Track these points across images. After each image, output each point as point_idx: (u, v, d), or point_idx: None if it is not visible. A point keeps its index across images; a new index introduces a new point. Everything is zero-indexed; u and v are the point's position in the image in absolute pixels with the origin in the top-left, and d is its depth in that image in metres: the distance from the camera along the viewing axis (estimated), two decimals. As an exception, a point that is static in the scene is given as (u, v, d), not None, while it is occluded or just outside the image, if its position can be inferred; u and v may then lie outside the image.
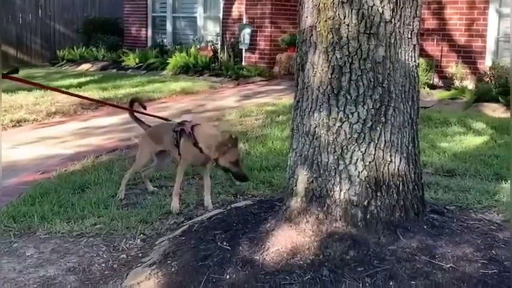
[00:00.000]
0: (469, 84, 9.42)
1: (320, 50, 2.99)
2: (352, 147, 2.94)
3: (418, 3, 3.06)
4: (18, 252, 3.47)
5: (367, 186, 2.93)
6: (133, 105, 4.58)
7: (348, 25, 2.91)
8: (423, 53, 9.92)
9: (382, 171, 2.95)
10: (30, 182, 4.81)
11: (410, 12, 3.02)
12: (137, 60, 13.10)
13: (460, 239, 2.96)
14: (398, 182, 2.99)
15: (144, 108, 4.60)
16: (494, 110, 8.05)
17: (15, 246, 3.54)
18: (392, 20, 2.94)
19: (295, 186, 3.10)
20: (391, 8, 2.92)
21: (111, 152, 5.93)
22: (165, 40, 14.18)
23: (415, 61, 3.08)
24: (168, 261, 3.04)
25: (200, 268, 2.86)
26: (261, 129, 6.73)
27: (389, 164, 2.96)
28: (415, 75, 3.09)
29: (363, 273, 2.64)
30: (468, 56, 9.81)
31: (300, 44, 3.14)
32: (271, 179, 4.65)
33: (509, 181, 4.56)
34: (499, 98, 8.20)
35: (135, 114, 4.49)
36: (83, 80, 11.37)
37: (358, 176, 2.93)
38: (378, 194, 2.94)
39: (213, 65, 11.92)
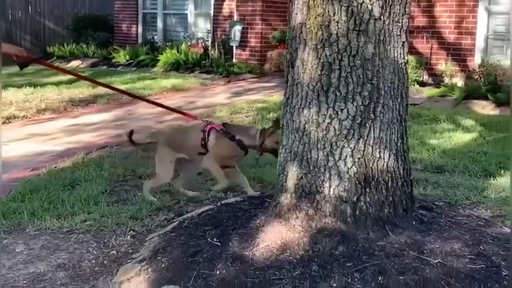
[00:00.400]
0: (459, 81, 9.48)
1: (310, 46, 3.00)
2: (341, 144, 2.95)
3: (407, 1, 3.08)
4: (8, 248, 3.46)
5: (357, 182, 2.95)
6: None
7: (337, 22, 2.92)
8: (413, 51, 9.97)
9: (371, 168, 2.97)
10: (20, 179, 4.79)
11: (399, 9, 3.03)
12: (127, 57, 13.06)
13: (449, 234, 2.99)
14: (387, 178, 3.00)
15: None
16: (483, 107, 8.11)
17: (5, 242, 3.53)
18: (382, 17, 2.95)
19: (285, 182, 3.11)
20: (380, 5, 2.94)
21: (102, 149, 5.92)
22: (155, 37, 14.14)
23: (404, 58, 3.09)
24: (158, 257, 3.05)
25: (190, 264, 2.87)
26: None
27: (378, 160, 2.98)
28: (404, 72, 3.10)
29: (351, 268, 2.66)
30: (457, 54, 9.86)
31: (289, 40, 3.15)
32: (262, 176, 4.67)
33: (497, 177, 4.61)
34: (488, 95, 8.27)
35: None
36: (73, 76, 11.30)
37: (348, 172, 2.95)
38: (367, 190, 2.96)
39: (204, 62, 11.91)
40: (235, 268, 2.77)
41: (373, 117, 2.96)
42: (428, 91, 9.24)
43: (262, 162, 5.00)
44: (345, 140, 2.95)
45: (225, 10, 12.86)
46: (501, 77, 8.69)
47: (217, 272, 2.77)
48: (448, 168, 4.91)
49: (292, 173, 3.07)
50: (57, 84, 10.21)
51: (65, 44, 14.75)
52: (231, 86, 10.67)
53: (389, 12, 2.98)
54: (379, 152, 2.99)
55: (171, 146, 4.14)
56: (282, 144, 3.18)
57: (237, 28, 11.95)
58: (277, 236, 2.95)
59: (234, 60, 12.10)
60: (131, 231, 3.66)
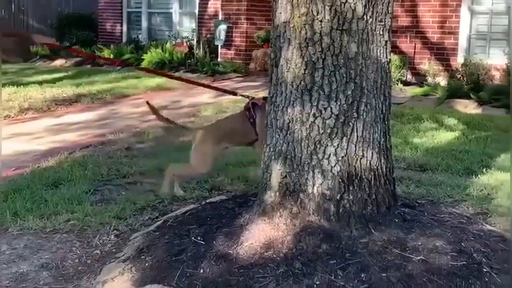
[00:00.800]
0: (442, 80, 9.56)
1: (294, 45, 3.01)
2: (325, 142, 2.97)
3: (389, 0, 3.10)
4: (-10, 248, 3.44)
5: (340, 180, 2.97)
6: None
7: (321, 21, 2.94)
8: (397, 50, 10.04)
9: (355, 166, 2.99)
10: (3, 178, 4.75)
11: (382, 8, 3.06)
12: (112, 56, 12.98)
13: (431, 232, 3.02)
14: (370, 177, 3.03)
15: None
16: (466, 106, 8.19)
17: (-13, 242, 3.51)
18: (365, 17, 2.97)
19: (269, 181, 3.12)
20: (364, 4, 2.96)
21: (85, 148, 5.89)
22: (140, 36, 14.08)
23: (386, 57, 3.12)
24: (142, 257, 3.04)
25: (174, 263, 2.87)
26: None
27: (361, 158, 3.00)
28: (387, 71, 3.13)
29: (335, 266, 2.68)
30: (441, 53, 9.95)
31: (273, 39, 3.16)
32: (247, 175, 4.67)
33: (479, 176, 4.66)
34: (471, 95, 8.34)
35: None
36: (56, 75, 11.24)
37: (331, 171, 2.97)
38: (351, 188, 2.98)
39: (189, 61, 11.88)
40: (219, 267, 2.78)
41: (356, 116, 2.98)
42: (412, 90, 9.30)
43: (247, 161, 5.01)
44: (329, 139, 2.97)
45: (210, 9, 12.85)
46: (483, 76, 8.79)
47: (201, 271, 2.77)
48: (430, 166, 4.95)
49: (276, 172, 3.08)
50: (40, 83, 10.13)
51: (48, 43, 14.64)
52: (216, 85, 10.65)
53: (373, 12, 3.00)
54: (362, 150, 3.01)
55: (215, 136, 3.95)
56: (266, 143, 3.19)
57: (222, 27, 11.94)
58: (261, 234, 2.95)
59: (219, 60, 12.09)
60: (115, 231, 3.65)
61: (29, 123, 7.47)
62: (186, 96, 9.30)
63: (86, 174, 4.76)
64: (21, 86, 9.71)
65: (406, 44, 10.20)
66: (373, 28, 3.02)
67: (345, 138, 2.97)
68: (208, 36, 12.51)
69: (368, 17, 2.98)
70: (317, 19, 2.94)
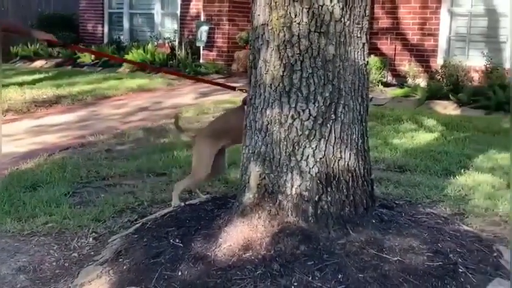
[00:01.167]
0: (422, 82, 9.65)
1: (272, 47, 3.02)
2: (303, 144, 2.98)
3: (367, 3, 3.13)
4: (-34, 252, 3.40)
5: (318, 181, 2.98)
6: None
7: (299, 23, 2.95)
8: (377, 52, 10.12)
9: (333, 167, 3.00)
10: (-20, 181, 4.70)
11: (360, 11, 3.08)
12: (93, 57, 12.91)
13: (408, 232, 3.04)
14: (348, 178, 3.05)
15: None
16: (445, 107, 8.27)
17: (-37, 246, 3.47)
18: (342, 19, 2.99)
19: (248, 182, 3.12)
20: (341, 7, 2.98)
21: (65, 150, 5.84)
22: (121, 37, 14.01)
23: (364, 59, 3.14)
24: (120, 259, 3.03)
25: (152, 265, 2.86)
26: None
27: (339, 160, 3.02)
28: (365, 73, 3.15)
29: (312, 267, 2.69)
30: (421, 55, 10.04)
31: (252, 41, 3.17)
32: (227, 176, 4.67)
33: (457, 176, 4.71)
34: (450, 96, 8.43)
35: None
36: (37, 76, 11.14)
37: (309, 172, 2.98)
38: (329, 189, 2.99)
39: (171, 62, 11.85)
40: (197, 269, 2.77)
41: (334, 117, 3.00)
42: (392, 92, 9.38)
43: (228, 162, 5.00)
44: (307, 140, 2.98)
45: (192, 10, 12.83)
46: (463, 77, 8.88)
47: (179, 273, 2.77)
48: (409, 167, 4.99)
49: (255, 173, 3.09)
50: (20, 84, 10.04)
51: (29, 44, 14.49)
52: (198, 86, 10.63)
53: (350, 14, 3.02)
54: (340, 151, 3.02)
55: (213, 134, 3.81)
56: (245, 144, 3.20)
57: (204, 28, 11.93)
58: (239, 236, 2.96)
59: (201, 61, 12.07)
60: (93, 233, 3.63)
61: (9, 124, 7.38)
62: (167, 98, 9.27)
63: (65, 176, 4.73)
64: (1, 87, 9.61)
65: (386, 46, 10.28)
66: (351, 30, 3.04)
67: (322, 139, 2.98)
68: (191, 37, 12.49)
69: (345, 20, 3.00)
70: (295, 21, 2.95)
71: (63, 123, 7.37)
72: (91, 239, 3.56)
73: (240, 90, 4.02)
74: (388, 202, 3.54)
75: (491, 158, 5.33)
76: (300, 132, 2.98)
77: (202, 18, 12.21)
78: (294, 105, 2.98)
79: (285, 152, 3.00)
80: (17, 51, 14.38)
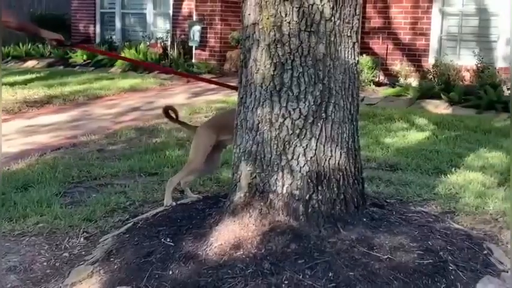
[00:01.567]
0: (413, 81, 9.69)
1: (262, 47, 3.03)
2: (294, 143, 2.99)
3: (357, 2, 3.14)
4: (-44, 252, 3.39)
5: (309, 180, 2.99)
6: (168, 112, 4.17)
7: (289, 23, 2.96)
8: (369, 51, 10.15)
9: (323, 166, 3.01)
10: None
11: (350, 10, 3.09)
12: (85, 57, 12.87)
13: (398, 230, 3.06)
14: (338, 176, 3.06)
15: (177, 115, 4.19)
16: (437, 106, 8.31)
17: (-46, 246, 3.46)
18: (332, 18, 3.00)
19: (239, 181, 3.13)
20: (331, 6, 2.99)
21: (56, 150, 5.82)
22: (114, 37, 13.98)
23: (354, 58, 3.15)
24: (111, 259, 3.03)
25: (143, 265, 2.86)
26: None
27: (330, 158, 3.03)
28: (355, 72, 3.16)
29: (303, 265, 2.70)
30: (412, 54, 10.07)
31: (243, 40, 3.17)
32: (219, 176, 4.67)
33: (448, 175, 4.73)
34: (441, 95, 8.47)
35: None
36: (28, 77, 11.08)
37: (300, 171, 2.99)
38: (319, 188, 3.00)
39: (163, 62, 11.84)
40: (188, 268, 2.78)
41: (324, 116, 3.01)
42: (384, 91, 9.41)
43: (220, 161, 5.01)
44: (298, 139, 2.99)
45: (184, 10, 12.81)
46: (454, 76, 8.92)
47: (170, 272, 2.77)
48: (401, 166, 5.01)
49: (246, 172, 3.10)
50: (12, 84, 9.99)
51: (21, 44, 14.44)
52: (190, 86, 10.62)
53: (340, 14, 3.03)
54: (331, 150, 3.04)
55: (215, 127, 3.83)
56: (236, 144, 3.20)
57: (196, 28, 11.92)
58: (230, 234, 2.96)
59: (193, 61, 12.06)
60: (84, 233, 3.62)
61: (0, 125, 7.36)
62: (159, 98, 9.26)
63: (56, 176, 4.71)
64: (1, 87, 9.56)
65: (378, 45, 10.31)
66: (341, 30, 3.05)
67: (313, 138, 2.99)
68: (183, 37, 12.48)
69: (336, 19, 3.01)
70: (285, 20, 2.96)
71: (54, 123, 7.34)
72: (82, 239, 3.55)
73: None
74: (379, 201, 3.55)
75: (482, 157, 5.36)
76: (290, 131, 2.99)
77: (195, 18, 12.20)
78: (284, 105, 2.99)
79: (276, 151, 3.01)
80: (8, 51, 14.32)
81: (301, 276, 2.63)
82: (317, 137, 3.00)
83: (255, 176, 3.06)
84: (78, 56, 12.94)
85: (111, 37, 13.94)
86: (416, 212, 3.53)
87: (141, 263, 2.89)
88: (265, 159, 3.04)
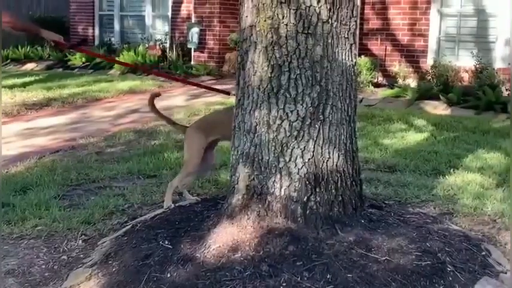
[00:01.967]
0: (412, 82, 9.69)
1: (260, 49, 3.03)
2: (291, 145, 2.99)
3: (354, 4, 3.14)
4: (-45, 255, 3.38)
5: (307, 182, 2.99)
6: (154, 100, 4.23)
7: (286, 25, 2.97)
8: (367, 52, 10.16)
9: (321, 168, 3.02)
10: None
11: (347, 12, 3.09)
12: (84, 59, 12.87)
13: (396, 232, 3.06)
14: (336, 178, 3.06)
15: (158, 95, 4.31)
16: (435, 107, 8.31)
17: (-48, 250, 3.45)
18: (330, 20, 3.00)
19: (237, 183, 3.13)
20: (328, 8, 2.99)
21: (55, 153, 5.82)
22: (112, 39, 13.98)
23: (352, 60, 3.15)
24: (109, 262, 3.02)
25: (141, 267, 2.86)
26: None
27: (327, 160, 3.03)
28: (353, 74, 3.16)
29: (301, 267, 2.70)
30: (411, 55, 10.08)
31: (240, 43, 3.17)
32: (217, 178, 4.68)
33: (446, 176, 4.73)
34: (440, 96, 8.47)
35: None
36: (27, 79, 11.09)
37: (298, 173, 2.99)
38: (317, 189, 3.00)
39: (162, 64, 11.84)
40: (186, 270, 2.77)
41: (322, 118, 3.01)
42: (383, 92, 9.41)
43: (217, 164, 5.01)
44: (295, 141, 2.99)
45: (183, 12, 12.82)
46: (452, 77, 8.93)
47: (168, 275, 2.77)
48: (399, 167, 5.01)
49: (244, 174, 3.10)
50: (11, 87, 9.99)
51: (19, 47, 14.44)
52: (189, 88, 10.61)
53: (337, 16, 3.03)
54: (329, 152, 3.04)
55: (204, 128, 3.85)
56: (234, 146, 3.21)
57: (195, 30, 11.93)
58: (228, 237, 2.96)
59: (192, 62, 12.07)
60: (83, 236, 3.62)
61: (-2, 127, 7.36)
62: (158, 100, 9.19)
63: (55, 179, 4.71)
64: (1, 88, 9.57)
65: (377, 47, 10.32)
66: (338, 32, 3.05)
67: (311, 140, 2.99)
68: (182, 39, 12.49)
69: (333, 21, 3.01)
70: (282, 23, 2.96)
71: (53, 126, 7.35)
72: (80, 242, 3.55)
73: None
74: (377, 202, 3.56)
75: (481, 158, 5.36)
76: (288, 133, 2.99)
77: (193, 20, 12.21)
78: (282, 107, 2.99)
79: (274, 153, 3.01)
80: (7, 53, 14.32)
81: (299, 279, 2.63)
82: (315, 138, 3.00)
83: (253, 178, 3.06)
84: (77, 59, 12.95)
85: (109, 39, 13.95)
86: (415, 213, 3.53)
87: (139, 265, 2.89)
88: (263, 162, 3.04)
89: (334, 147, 3.05)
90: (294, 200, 2.98)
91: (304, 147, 2.99)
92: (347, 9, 3.09)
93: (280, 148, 3.00)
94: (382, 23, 10.33)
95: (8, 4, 15.83)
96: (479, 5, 9.51)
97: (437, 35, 9.90)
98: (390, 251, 2.85)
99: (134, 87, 10.25)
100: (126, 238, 3.29)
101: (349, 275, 2.65)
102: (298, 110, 2.98)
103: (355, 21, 3.17)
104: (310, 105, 2.98)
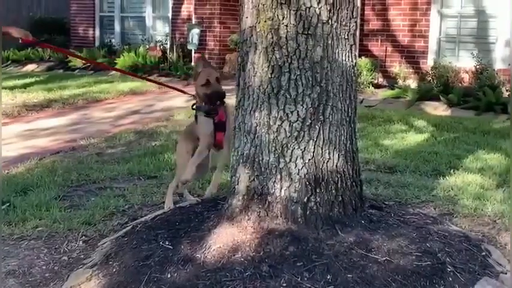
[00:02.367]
0: (412, 83, 9.70)
1: (260, 50, 3.04)
2: (292, 146, 3.00)
3: (354, 5, 3.15)
4: (-44, 256, 3.39)
5: (307, 183, 2.99)
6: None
7: (286, 26, 2.97)
8: (368, 53, 10.17)
9: (321, 169, 3.02)
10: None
11: (347, 13, 3.10)
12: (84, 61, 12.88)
13: (396, 232, 3.06)
14: (336, 179, 3.06)
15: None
16: (436, 108, 8.32)
17: (-47, 250, 3.46)
18: (329, 21, 3.01)
19: (237, 184, 3.13)
20: (328, 9, 2.99)
21: (56, 154, 5.83)
22: (113, 40, 13.99)
23: (352, 61, 3.16)
24: (110, 262, 3.03)
25: (141, 268, 2.87)
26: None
27: (328, 161, 3.04)
28: (353, 75, 3.17)
29: (301, 268, 2.70)
30: (411, 56, 10.09)
31: (240, 44, 3.18)
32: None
33: (447, 177, 4.73)
34: (440, 97, 8.48)
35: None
36: (28, 80, 11.11)
37: (298, 174, 2.99)
38: (317, 190, 3.01)
39: (162, 65, 11.86)
40: (186, 271, 2.78)
41: (322, 119, 3.01)
42: (383, 93, 9.42)
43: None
44: (295, 142, 3.00)
45: (183, 13, 12.83)
46: (453, 78, 8.94)
47: (169, 276, 2.77)
48: (399, 168, 5.02)
49: (244, 175, 3.10)
50: (11, 88, 10.01)
51: (20, 48, 14.45)
52: (189, 89, 10.62)
53: (337, 17, 3.04)
54: (329, 153, 3.04)
55: (188, 136, 3.95)
56: (234, 147, 3.21)
57: (195, 31, 11.93)
58: (229, 237, 2.97)
59: (192, 63, 12.06)
60: (83, 237, 3.62)
61: None
62: (159, 101, 9.27)
63: (55, 180, 4.72)
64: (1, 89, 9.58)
65: (377, 47, 10.32)
66: (338, 32, 3.06)
67: (311, 141, 3.00)
68: (182, 40, 12.49)
69: (333, 22, 3.02)
70: (282, 24, 2.97)
71: (54, 127, 7.36)
72: (81, 243, 3.56)
73: (192, 95, 4.07)
74: (377, 203, 3.55)
75: (481, 159, 5.36)
76: (288, 134, 2.99)
77: (194, 21, 12.22)
78: (282, 107, 3.00)
79: (274, 154, 3.01)
80: (8, 55, 14.34)
81: (299, 279, 2.64)
82: (315, 139, 3.00)
83: (253, 179, 3.06)
84: (78, 60, 12.95)
85: (110, 40, 13.96)
86: (415, 214, 3.53)
87: (140, 266, 2.89)
88: (263, 162, 3.04)
89: (335, 148, 3.06)
90: (294, 201, 2.98)
91: (305, 148, 2.99)
92: (347, 10, 3.10)
93: (280, 149, 3.00)
94: (382, 24, 10.34)
95: (8, 6, 15.87)
96: (479, 6, 9.52)
97: (437, 35, 9.91)
98: (390, 251, 2.85)
99: (135, 88, 10.26)
100: (126, 239, 3.29)
101: (349, 276, 2.65)
102: (298, 111, 2.99)
103: (355, 22, 3.18)
104: (310, 106, 2.99)
